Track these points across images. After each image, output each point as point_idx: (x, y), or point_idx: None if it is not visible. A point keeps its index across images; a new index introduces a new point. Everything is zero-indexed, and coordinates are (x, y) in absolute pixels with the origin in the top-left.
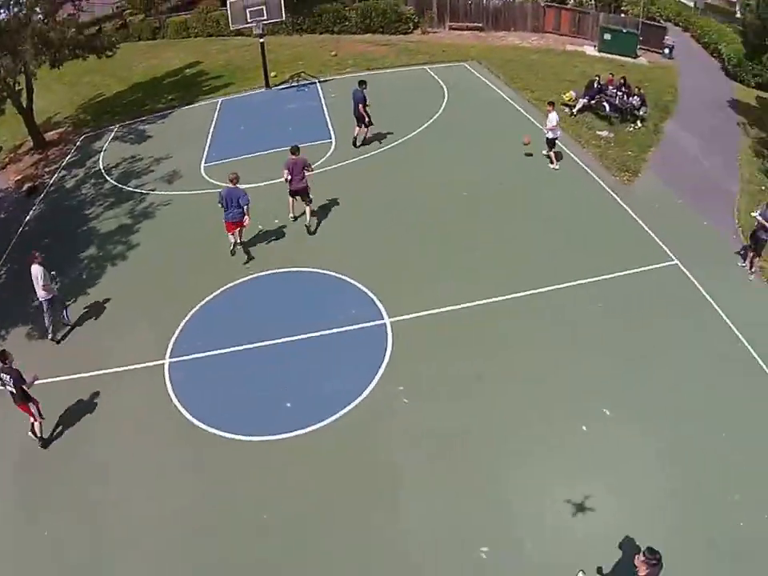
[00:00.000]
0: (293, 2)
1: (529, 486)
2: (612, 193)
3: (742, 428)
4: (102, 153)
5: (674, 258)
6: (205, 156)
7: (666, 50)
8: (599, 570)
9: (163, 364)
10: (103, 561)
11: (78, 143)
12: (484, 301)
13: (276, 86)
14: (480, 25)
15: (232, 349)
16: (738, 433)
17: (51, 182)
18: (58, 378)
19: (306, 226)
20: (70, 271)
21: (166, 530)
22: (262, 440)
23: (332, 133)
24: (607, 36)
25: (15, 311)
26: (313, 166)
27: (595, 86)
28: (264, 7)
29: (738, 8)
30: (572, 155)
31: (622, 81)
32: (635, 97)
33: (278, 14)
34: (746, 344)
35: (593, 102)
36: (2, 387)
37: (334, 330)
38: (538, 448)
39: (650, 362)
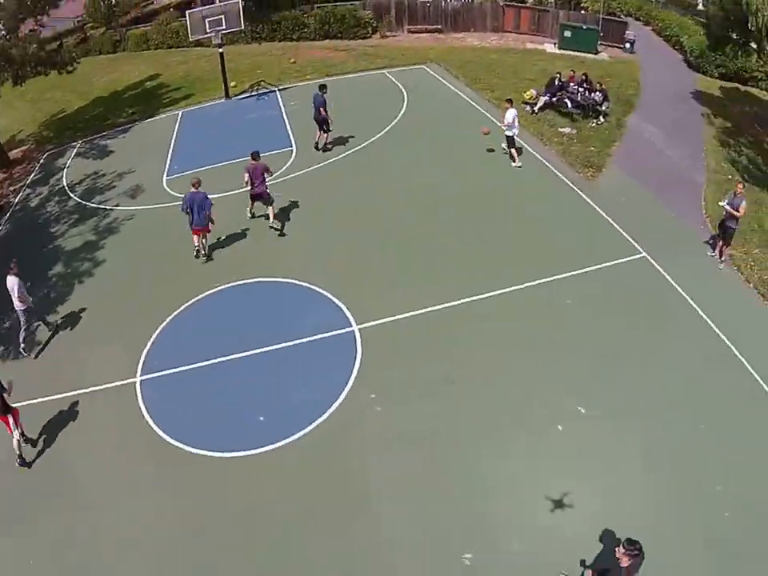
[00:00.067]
0: (252, 10)
1: (507, 488)
2: (577, 189)
3: (719, 418)
4: (65, 170)
5: (642, 251)
6: (167, 169)
7: (628, 45)
8: (582, 563)
9: (134, 382)
10: None
11: (42, 161)
12: (452, 303)
13: (236, 95)
14: (439, 27)
15: (203, 363)
16: (715, 423)
17: (16, 201)
18: (26, 402)
19: (270, 226)
20: (37, 290)
21: (139, 548)
22: (238, 455)
23: (293, 141)
24: (567, 33)
25: None
26: (274, 174)
27: (556, 83)
28: (223, 17)
29: (700, 0)
30: (535, 153)
31: (584, 77)
32: (597, 92)
33: (236, 23)
34: (719, 333)
35: (554, 99)
36: None
37: (304, 340)
38: (515, 450)
39: (622, 357)
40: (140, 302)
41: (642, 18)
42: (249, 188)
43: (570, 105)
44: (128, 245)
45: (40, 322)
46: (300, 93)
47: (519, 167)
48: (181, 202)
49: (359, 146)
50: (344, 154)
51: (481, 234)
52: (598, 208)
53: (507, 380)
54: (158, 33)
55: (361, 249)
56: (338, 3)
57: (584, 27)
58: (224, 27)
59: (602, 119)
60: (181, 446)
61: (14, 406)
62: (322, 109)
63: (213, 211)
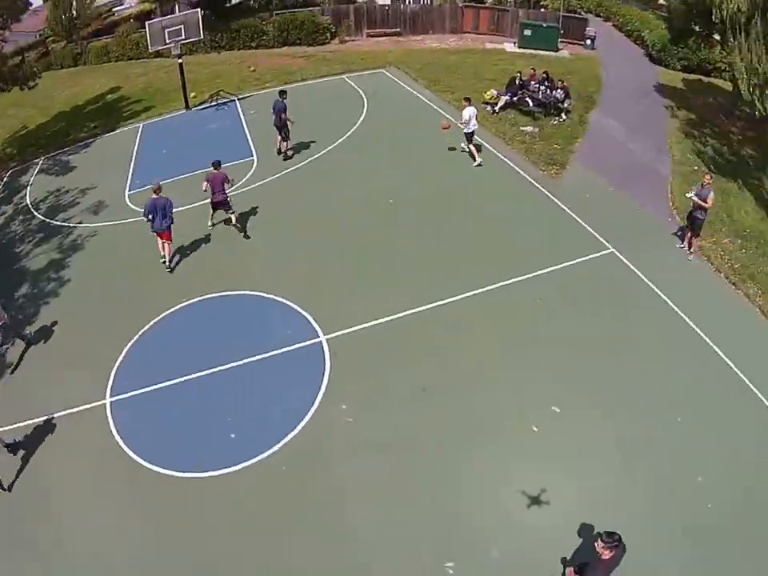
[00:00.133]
0: (210, 19)
1: (486, 492)
2: (541, 187)
3: (696, 410)
4: (28, 187)
5: (609, 246)
6: (129, 183)
7: (588, 41)
8: (563, 560)
9: (104, 404)
10: None
11: (5, 179)
12: (419, 308)
13: (196, 106)
14: (398, 30)
15: (172, 381)
16: (693, 415)
17: None
18: None
19: (234, 225)
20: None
21: (114, 572)
22: (211, 475)
23: (253, 150)
24: (527, 32)
25: None
26: (236, 184)
27: (517, 82)
28: (182, 27)
29: None
30: (497, 153)
31: (545, 75)
32: (558, 90)
33: (196, 33)
34: (692, 324)
35: (515, 98)
36: None
37: (272, 353)
38: (490, 454)
39: (594, 353)
40: (107, 321)
41: (602, 14)
42: (210, 197)
43: (531, 103)
44: (92, 262)
45: (16, 339)
46: (260, 101)
47: (480, 165)
48: (144, 206)
49: (319, 153)
50: (304, 162)
51: (447, 236)
52: (562, 205)
53: (479, 384)
54: (119, 45)
55: (324, 258)
56: (297, 10)
57: (544, 25)
58: (183, 37)
59: (563, 116)
60: (154, 467)
61: None
62: (282, 114)
63: (176, 222)
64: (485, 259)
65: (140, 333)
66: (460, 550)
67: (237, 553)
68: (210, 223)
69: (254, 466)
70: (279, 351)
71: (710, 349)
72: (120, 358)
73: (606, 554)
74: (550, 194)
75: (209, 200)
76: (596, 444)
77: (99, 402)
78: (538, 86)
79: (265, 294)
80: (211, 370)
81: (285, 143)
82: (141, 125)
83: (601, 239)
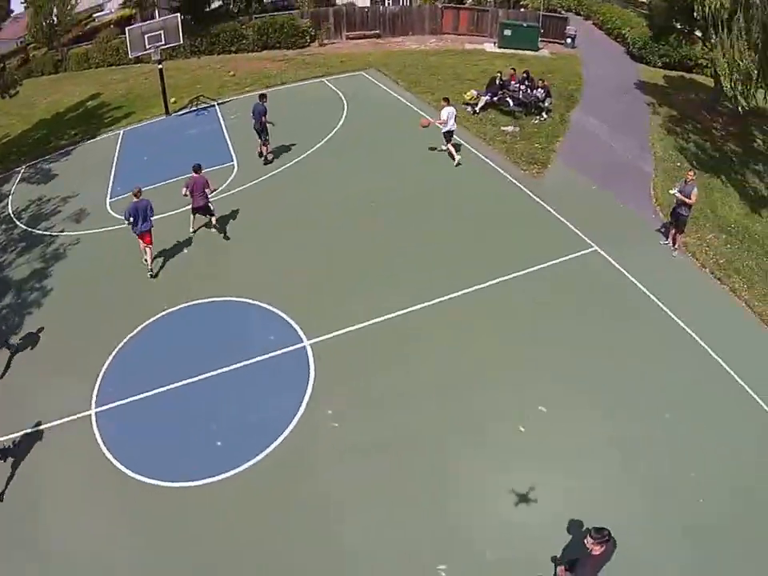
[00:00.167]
0: (190, 23)
1: (476, 493)
2: (522, 187)
3: (685, 405)
4: (10, 196)
5: (593, 244)
6: (110, 191)
7: (569, 40)
8: (554, 559)
9: (90, 414)
10: None
11: None
12: (403, 311)
13: (176, 112)
14: (377, 32)
15: (157, 390)
16: (682, 411)
17: None
18: None
19: (213, 226)
20: None
21: None
22: (198, 484)
23: (234, 155)
24: (507, 32)
25: None
26: (216, 190)
27: (497, 82)
28: (162, 32)
29: None
30: (478, 153)
31: (525, 75)
32: (539, 89)
33: (175, 38)
34: (679, 321)
35: (495, 98)
36: None
37: (256, 359)
38: (480, 455)
39: (581, 352)
40: (91, 330)
41: (582, 13)
42: (190, 202)
43: (511, 103)
44: (75, 271)
45: (1, 348)
46: (240, 105)
47: (460, 164)
48: (124, 210)
49: (300, 157)
50: (285, 166)
51: (430, 238)
52: (545, 204)
53: (465, 385)
54: (99, 51)
55: (306, 262)
56: (276, 13)
57: (524, 25)
58: (163, 42)
59: (544, 115)
60: (142, 478)
61: None
62: (263, 117)
63: (158, 229)
64: (467, 260)
65: (124, 342)
66: (452, 552)
67: (228, 560)
68: (191, 229)
69: (241, 474)
70: (263, 357)
71: (698, 345)
72: (105, 368)
73: (597, 550)
74: (531, 194)
75: (189, 205)
76: (584, 442)
77: (85, 413)
78: (518, 85)
79: (248, 300)
80: (195, 378)
81: (265, 147)
82: (121, 131)
83: (584, 237)
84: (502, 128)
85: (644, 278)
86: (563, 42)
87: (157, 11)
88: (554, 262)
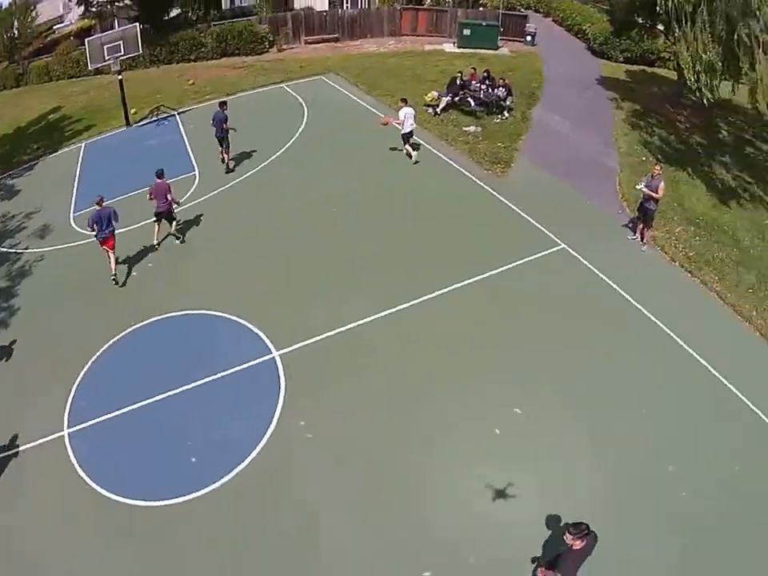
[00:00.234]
0: (149, 33)
1: (455, 496)
2: (487, 187)
3: (659, 399)
4: None
5: (560, 242)
6: (73, 205)
7: (529, 38)
8: (534, 560)
9: (63, 435)
10: None
11: None
12: (370, 318)
13: (136, 123)
14: (336, 35)
15: (129, 408)
16: (656, 405)
17: None
18: None
19: (173, 234)
20: None
21: None
22: (176, 502)
23: (195, 165)
24: (466, 31)
25: None
26: (180, 203)
27: (458, 82)
28: (121, 42)
29: None
30: (441, 155)
31: (486, 74)
32: (500, 88)
33: (135, 48)
34: (651, 316)
35: (456, 99)
36: None
37: (226, 372)
38: (458, 459)
39: (551, 352)
40: (58, 349)
41: (542, 10)
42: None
43: (473, 103)
44: (41, 289)
45: None
46: (200, 114)
47: (417, 162)
48: (88, 218)
49: (261, 165)
50: (247, 175)
51: (394, 241)
52: (510, 204)
53: (438, 390)
54: (59, 63)
55: (273, 272)
56: (235, 20)
57: (483, 24)
58: (122, 53)
59: (506, 114)
60: (118, 498)
61: None
62: (224, 125)
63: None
64: (435, 263)
65: (92, 359)
66: (436, 557)
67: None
68: (155, 241)
69: (217, 491)
70: (233, 370)
71: (672, 339)
72: (75, 387)
73: (578, 545)
74: (496, 193)
75: (153, 218)
76: (560, 441)
77: (58, 434)
78: (479, 85)
79: (215, 312)
80: (167, 394)
81: (227, 154)
82: (83, 144)
83: (551, 236)
84: (464, 128)
85: (614, 274)
86: (523, 39)
87: (116, 21)
88: (521, 261)
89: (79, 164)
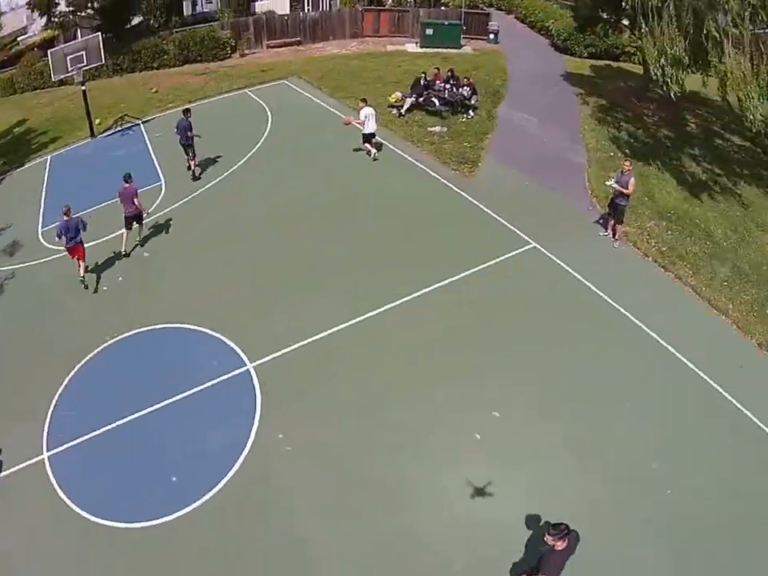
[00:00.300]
0: (112, 42)
1: (440, 502)
2: (454, 187)
3: (641, 395)
4: None
5: (531, 241)
6: (41, 220)
7: (491, 36)
8: (515, 565)
9: (43, 459)
10: None
11: None
12: (342, 325)
13: (101, 133)
14: (298, 39)
15: (107, 427)
16: (639, 400)
17: None
18: None
19: (138, 241)
20: None
21: None
22: (159, 522)
23: (161, 175)
24: (429, 31)
25: None
26: (148, 213)
27: (422, 82)
28: (84, 52)
29: None
30: (406, 156)
31: (450, 73)
32: (465, 87)
33: (97, 58)
34: (625, 312)
35: (421, 99)
36: None
37: (201, 387)
38: (439, 465)
39: (529, 352)
40: (33, 370)
41: (504, 8)
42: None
43: (437, 103)
44: (12, 307)
45: None
46: (164, 123)
47: (377, 159)
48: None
49: (227, 172)
50: (212, 182)
51: (363, 245)
52: (478, 203)
53: (415, 396)
54: (23, 75)
55: (243, 282)
56: (196, 26)
57: (446, 23)
58: (85, 63)
59: (471, 113)
60: (101, 520)
61: None
62: (189, 132)
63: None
64: (404, 267)
65: (67, 379)
66: (421, 564)
67: None
68: (123, 250)
69: (199, 509)
70: (209, 384)
71: (648, 335)
72: (51, 407)
73: (559, 545)
74: (464, 193)
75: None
76: (541, 442)
77: (37, 458)
78: (443, 84)
79: (188, 326)
80: (144, 411)
81: (193, 162)
82: (48, 157)
83: (522, 234)
84: (429, 129)
85: (586, 272)
86: (486, 37)
87: (79, 31)
88: (491, 262)
89: (46, 177)
